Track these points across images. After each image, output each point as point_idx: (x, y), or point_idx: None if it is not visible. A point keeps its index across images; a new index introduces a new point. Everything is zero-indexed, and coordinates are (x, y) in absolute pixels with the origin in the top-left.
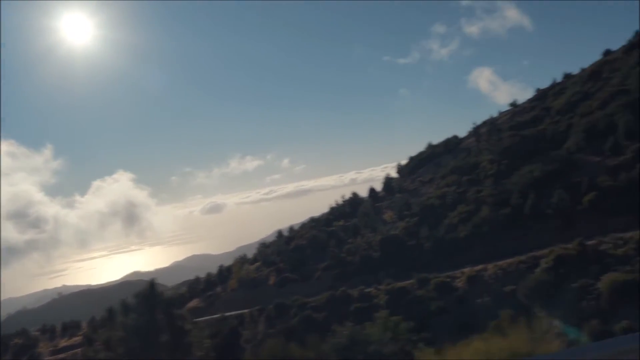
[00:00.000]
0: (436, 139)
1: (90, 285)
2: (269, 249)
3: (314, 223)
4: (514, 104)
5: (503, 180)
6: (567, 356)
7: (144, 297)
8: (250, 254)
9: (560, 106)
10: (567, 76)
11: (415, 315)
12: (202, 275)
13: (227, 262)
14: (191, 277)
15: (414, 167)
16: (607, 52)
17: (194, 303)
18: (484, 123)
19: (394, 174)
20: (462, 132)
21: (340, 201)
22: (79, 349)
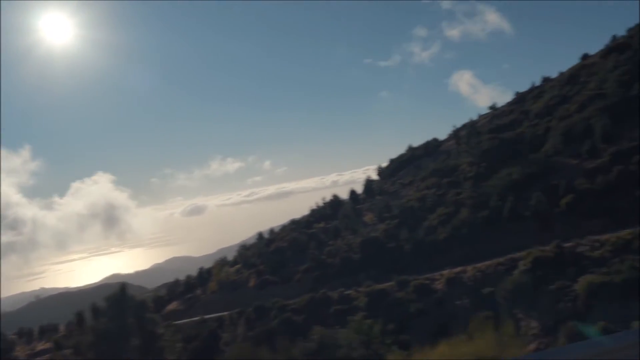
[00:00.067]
0: (417, 142)
1: (68, 288)
2: (249, 251)
3: (294, 225)
4: (493, 107)
5: (482, 183)
6: (553, 356)
7: (114, 301)
8: (231, 256)
9: (538, 109)
10: (546, 80)
11: (394, 317)
12: (182, 277)
13: (208, 265)
14: (171, 279)
15: (394, 170)
16: (585, 57)
17: (173, 306)
18: (464, 126)
19: (374, 176)
20: (442, 135)
21: (320, 203)
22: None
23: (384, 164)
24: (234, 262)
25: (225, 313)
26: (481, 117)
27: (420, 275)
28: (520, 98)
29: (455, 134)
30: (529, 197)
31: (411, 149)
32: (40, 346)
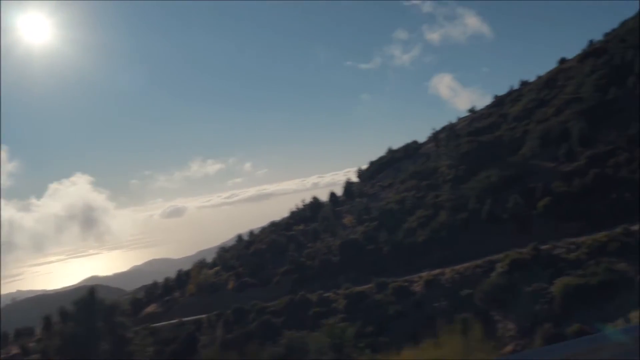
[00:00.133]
0: (397, 144)
1: (45, 290)
2: (229, 253)
3: (274, 227)
4: (472, 110)
5: (461, 185)
6: (537, 356)
7: (83, 304)
8: (211, 259)
9: (516, 113)
10: (524, 83)
11: (373, 320)
12: (162, 279)
13: (188, 267)
14: (151, 281)
15: (374, 172)
16: (563, 61)
17: (151, 308)
18: (443, 128)
19: (355, 178)
20: (422, 138)
21: (300, 205)
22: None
23: (364, 166)
24: (213, 265)
25: (203, 316)
26: (460, 120)
27: (399, 277)
28: (498, 101)
29: (435, 137)
30: (506, 199)
31: (391, 152)
32: (15, 350)
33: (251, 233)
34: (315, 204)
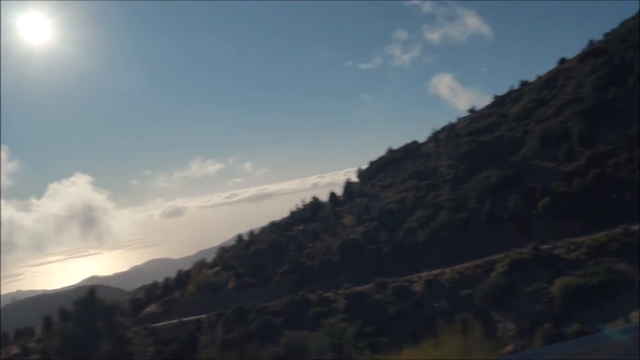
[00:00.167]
0: (397, 144)
1: (46, 290)
2: (229, 253)
3: (274, 227)
4: (472, 110)
5: (461, 185)
6: (537, 356)
7: (83, 304)
8: (210, 259)
9: (516, 113)
10: (524, 83)
11: (373, 320)
12: (162, 279)
13: (187, 267)
14: (151, 281)
15: (374, 172)
16: (563, 61)
17: (151, 308)
18: (443, 128)
19: (355, 178)
20: (422, 138)
21: (300, 205)
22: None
23: (364, 166)
24: (213, 264)
25: (203, 316)
26: (460, 120)
27: (399, 277)
28: (498, 101)
29: (435, 137)
30: (506, 199)
31: (391, 152)
32: (15, 350)
33: (251, 233)
34: (315, 204)
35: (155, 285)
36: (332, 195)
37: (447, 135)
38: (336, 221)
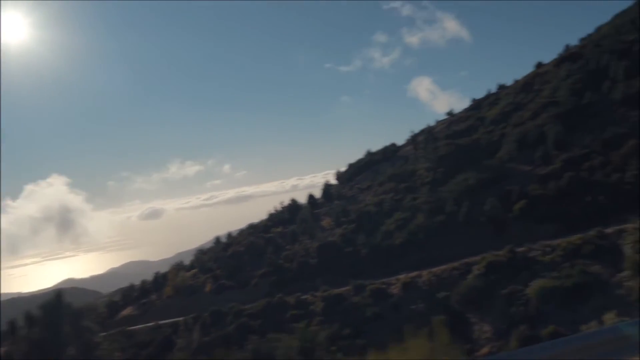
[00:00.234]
0: (377, 146)
1: (21, 293)
2: (206, 255)
3: (252, 229)
4: (450, 113)
5: (439, 188)
6: (518, 356)
7: (49, 308)
8: (189, 261)
9: (494, 116)
10: (501, 87)
11: (350, 322)
12: (139, 282)
13: (165, 269)
14: (128, 284)
15: (352, 174)
16: (539, 65)
17: (128, 311)
18: (422, 131)
19: (333, 180)
20: (401, 140)
21: (279, 208)
22: None
23: (343, 169)
24: (191, 267)
25: (180, 318)
26: (439, 123)
27: (376, 279)
28: (476, 105)
29: (413, 140)
30: (483, 202)
31: (369, 154)
32: None
33: (229, 235)
34: (294, 206)
35: (131, 287)
36: (311, 197)
37: (425, 138)
38: (314, 223)
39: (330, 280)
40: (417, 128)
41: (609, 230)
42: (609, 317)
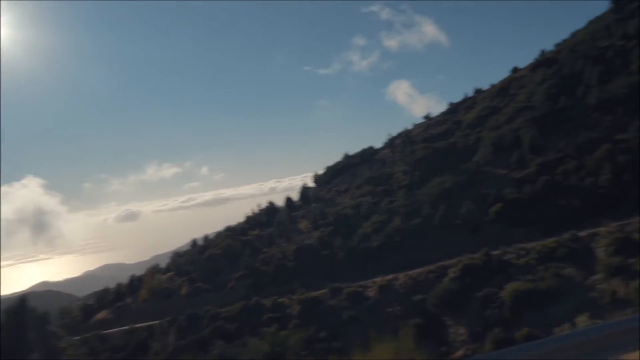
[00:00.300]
0: (355, 149)
1: None
2: (183, 258)
3: (229, 232)
4: (427, 117)
5: (415, 191)
6: (501, 356)
7: (12, 314)
8: (166, 264)
9: (470, 120)
10: (478, 91)
11: (327, 325)
12: (115, 285)
13: (142, 272)
14: (104, 287)
15: (330, 177)
16: (515, 70)
17: (102, 314)
18: (399, 135)
19: (311, 183)
20: (379, 143)
21: (256, 210)
22: None
23: (321, 171)
24: (167, 270)
25: (156, 322)
26: (416, 126)
27: (353, 282)
28: (453, 108)
29: (391, 143)
30: (460, 205)
31: (347, 157)
32: None
33: (206, 238)
34: (271, 208)
35: (106, 291)
36: (288, 200)
37: (402, 142)
38: (292, 226)
39: (307, 283)
40: (395, 131)
41: (583, 233)
42: (582, 320)
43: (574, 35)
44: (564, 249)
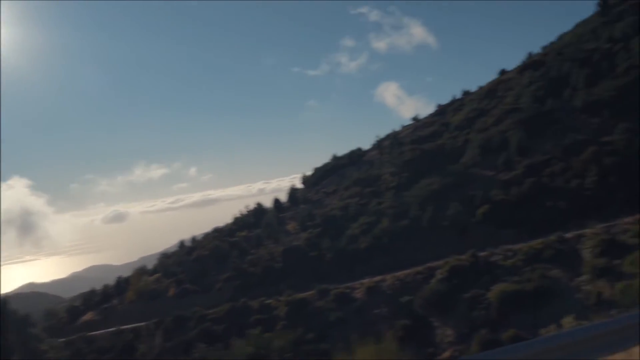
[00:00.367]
0: (343, 151)
1: None
2: (170, 259)
3: (217, 233)
4: (415, 119)
5: (403, 193)
6: (488, 357)
7: None
8: (153, 265)
9: (458, 122)
10: (466, 93)
11: (314, 327)
12: (101, 286)
13: (129, 273)
14: (90, 288)
15: (318, 178)
16: (503, 72)
17: (88, 316)
18: (387, 136)
19: (300, 184)
20: (367, 145)
21: (244, 211)
22: None
23: (309, 173)
24: (154, 271)
25: (142, 323)
26: (404, 128)
27: (341, 284)
28: (441, 110)
29: (379, 144)
30: (447, 207)
31: (335, 158)
32: None
33: (194, 239)
34: (259, 210)
35: (93, 292)
36: (276, 201)
37: (390, 143)
38: (280, 227)
39: (294, 285)
40: (384, 133)
41: (569, 235)
42: (568, 321)
43: (561, 37)
44: (550, 251)
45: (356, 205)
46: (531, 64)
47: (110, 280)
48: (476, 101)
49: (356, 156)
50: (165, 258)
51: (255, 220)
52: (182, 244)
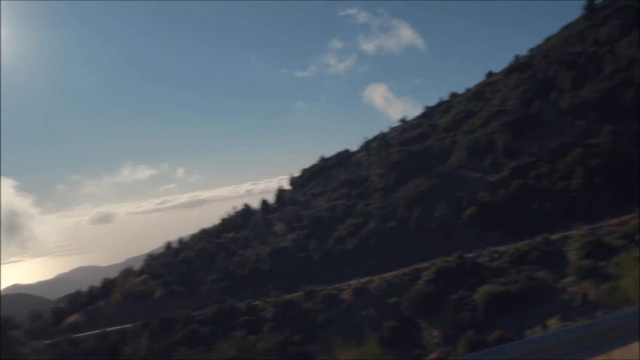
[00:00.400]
0: (331, 152)
1: None
2: (157, 261)
3: (204, 235)
4: (403, 120)
5: (391, 194)
6: (474, 358)
7: None
8: (140, 266)
9: (445, 124)
10: (453, 95)
11: (301, 328)
12: (87, 288)
13: (116, 275)
14: (76, 290)
15: (306, 180)
16: (490, 74)
17: (74, 318)
18: (375, 138)
19: (287, 185)
20: (355, 146)
21: (232, 212)
22: None
23: (297, 174)
24: (141, 272)
25: (128, 325)
26: (392, 129)
27: (328, 285)
28: (428, 112)
29: (367, 146)
30: (434, 208)
31: (323, 160)
32: None
33: (181, 240)
34: (247, 211)
35: (78, 294)
36: (264, 202)
37: (378, 145)
38: (267, 229)
39: (282, 286)
40: (372, 134)
41: (555, 236)
42: (553, 323)
43: (547, 40)
44: (536, 252)
45: (343, 207)
46: (518, 66)
47: (97, 282)
48: (463, 103)
49: (344, 158)
50: (152, 259)
51: (242, 221)
52: (169, 246)
